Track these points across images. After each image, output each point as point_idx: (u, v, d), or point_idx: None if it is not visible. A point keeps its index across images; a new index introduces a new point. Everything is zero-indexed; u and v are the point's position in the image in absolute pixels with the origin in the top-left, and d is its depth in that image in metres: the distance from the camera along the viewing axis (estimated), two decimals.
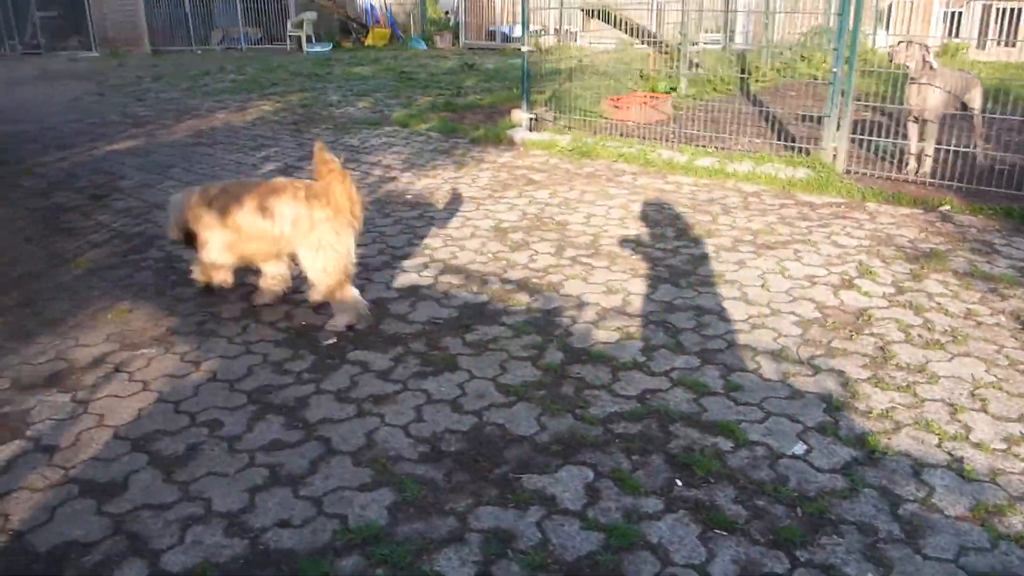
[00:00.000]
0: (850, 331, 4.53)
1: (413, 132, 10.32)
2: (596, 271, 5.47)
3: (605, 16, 12.03)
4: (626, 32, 12.53)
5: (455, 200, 7.27)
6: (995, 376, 4.02)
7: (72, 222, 6.73)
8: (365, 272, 5.49)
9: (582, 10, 12.17)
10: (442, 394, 3.95)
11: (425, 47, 22.65)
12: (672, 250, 5.89)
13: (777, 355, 4.27)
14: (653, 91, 11.12)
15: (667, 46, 12.47)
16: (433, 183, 7.87)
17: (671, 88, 11.40)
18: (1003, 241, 6.03)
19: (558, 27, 21.34)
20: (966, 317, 4.70)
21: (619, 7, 12.32)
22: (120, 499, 3.20)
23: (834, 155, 7.56)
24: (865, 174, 7.57)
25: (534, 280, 5.34)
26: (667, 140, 8.90)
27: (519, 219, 6.65)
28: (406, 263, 5.69)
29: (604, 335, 4.53)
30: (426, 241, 6.15)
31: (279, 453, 3.49)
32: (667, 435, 3.57)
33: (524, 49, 9.46)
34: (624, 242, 6.05)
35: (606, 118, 9.71)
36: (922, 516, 3.03)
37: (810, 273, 5.39)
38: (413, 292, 5.18)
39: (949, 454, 3.41)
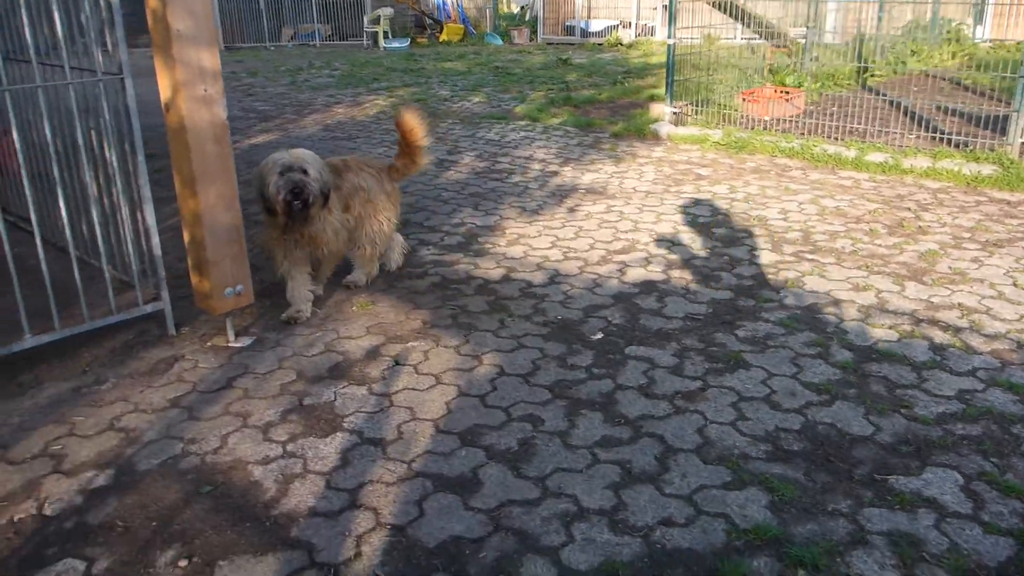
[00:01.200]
0: None
1: (547, 127, 10.21)
2: (829, 268, 5.33)
3: (728, 9, 11.82)
4: (744, 24, 12.32)
5: (632, 194, 7.18)
6: None
7: (257, 215, 6.71)
8: (587, 265, 5.41)
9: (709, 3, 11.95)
10: (751, 392, 3.84)
11: (501, 42, 22.55)
12: (893, 246, 5.74)
13: None
14: (783, 84, 10.92)
15: (788, 39, 12.25)
16: (599, 177, 7.77)
17: (799, 82, 11.19)
18: None
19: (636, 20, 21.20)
20: None
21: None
22: (481, 494, 3.13)
23: (1021, 151, 7.30)
24: None
25: (770, 276, 5.21)
26: (825, 134, 8.70)
27: (711, 214, 6.52)
28: (624, 257, 5.60)
29: (881, 333, 4.39)
30: (629, 235, 6.05)
31: (618, 450, 3.40)
32: (1013, 437, 3.42)
33: (671, 42, 9.31)
34: (836, 237, 5.90)
35: (742, 113, 9.54)
36: None
37: None
38: (651, 287, 5.08)
39: None
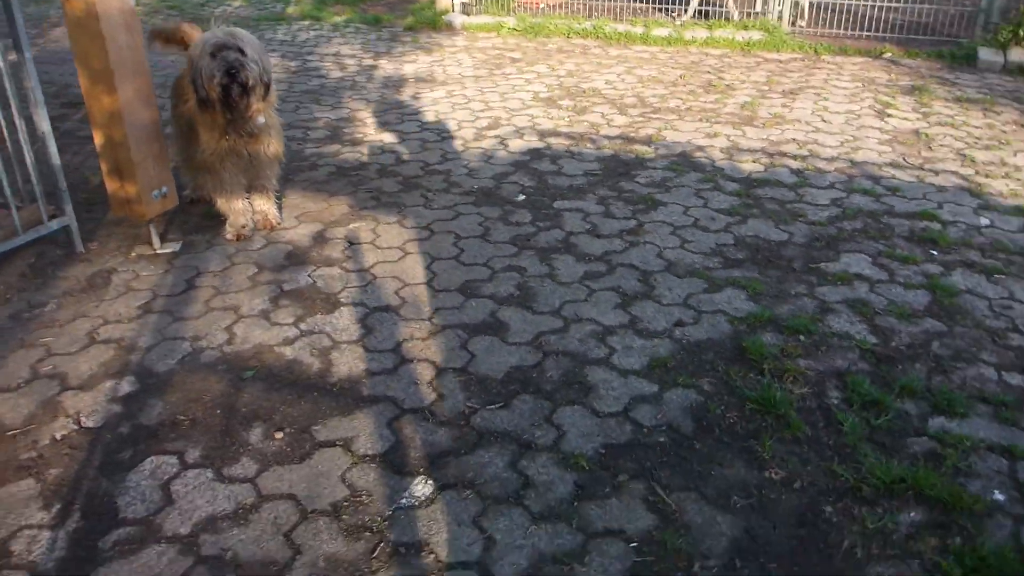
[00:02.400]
0: (924, 146, 5.52)
1: (336, 25, 10.02)
2: (676, 123, 6.06)
3: None
4: None
5: (461, 79, 7.44)
6: None
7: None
8: (468, 142, 5.70)
9: None
10: (680, 222, 4.45)
11: None
12: (716, 102, 6.60)
13: (895, 165, 5.17)
14: None
15: None
16: (419, 67, 7.92)
17: None
18: (952, 76, 7.36)
19: None
20: (991, 128, 5.88)
21: None
22: (513, 332, 3.45)
23: (779, 16, 8.52)
24: (807, 31, 8.64)
25: (633, 134, 5.83)
26: (612, 15, 9.44)
27: (548, 90, 7.00)
28: (497, 132, 5.94)
29: (749, 167, 5.19)
30: (488, 114, 6.37)
31: (604, 279, 3.84)
32: (887, 225, 4.34)
33: None
34: (666, 99, 6.66)
35: (517, 2, 10.05)
36: None
37: (848, 108, 6.34)
38: (539, 153, 5.50)
39: None
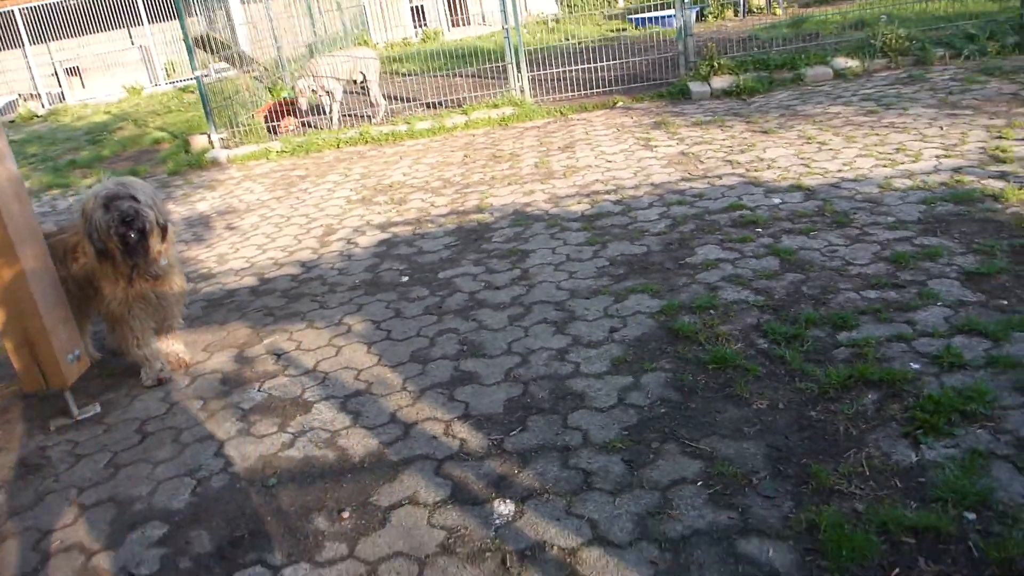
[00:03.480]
0: (695, 161, 6.73)
1: (89, 187, 9.73)
2: (491, 192, 6.80)
3: (206, 46, 12.36)
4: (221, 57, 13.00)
5: (265, 203, 7.66)
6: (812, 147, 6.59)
7: None
8: (317, 249, 6.03)
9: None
10: (558, 251, 5.11)
11: None
12: (511, 167, 7.43)
13: (686, 179, 6.26)
14: (282, 99, 12.01)
15: (254, 63, 13.31)
16: (213, 203, 8.03)
17: (289, 93, 12.41)
18: (678, 108, 8.87)
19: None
20: (733, 138, 7.27)
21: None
22: None
23: (521, 91, 9.72)
24: (547, 99, 9.90)
25: (460, 208, 6.50)
26: (370, 121, 10.14)
27: (355, 192, 7.50)
28: (339, 235, 6.29)
29: (578, 207, 6.03)
30: (318, 223, 6.72)
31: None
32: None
33: (198, 75, 9.70)
34: (469, 174, 7.39)
35: (267, 127, 10.48)
36: None
37: (620, 148, 7.49)
38: (391, 243, 5.97)
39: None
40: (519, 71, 9.51)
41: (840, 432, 2.97)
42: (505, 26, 9.40)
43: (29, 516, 3.26)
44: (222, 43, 11.95)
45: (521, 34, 9.43)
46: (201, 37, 11.06)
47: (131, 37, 21.43)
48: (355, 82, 10.35)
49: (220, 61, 12.72)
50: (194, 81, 10.54)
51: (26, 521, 3.22)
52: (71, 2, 20.56)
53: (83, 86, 21.16)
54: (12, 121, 19.19)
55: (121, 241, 3.78)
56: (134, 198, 3.83)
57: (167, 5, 19.37)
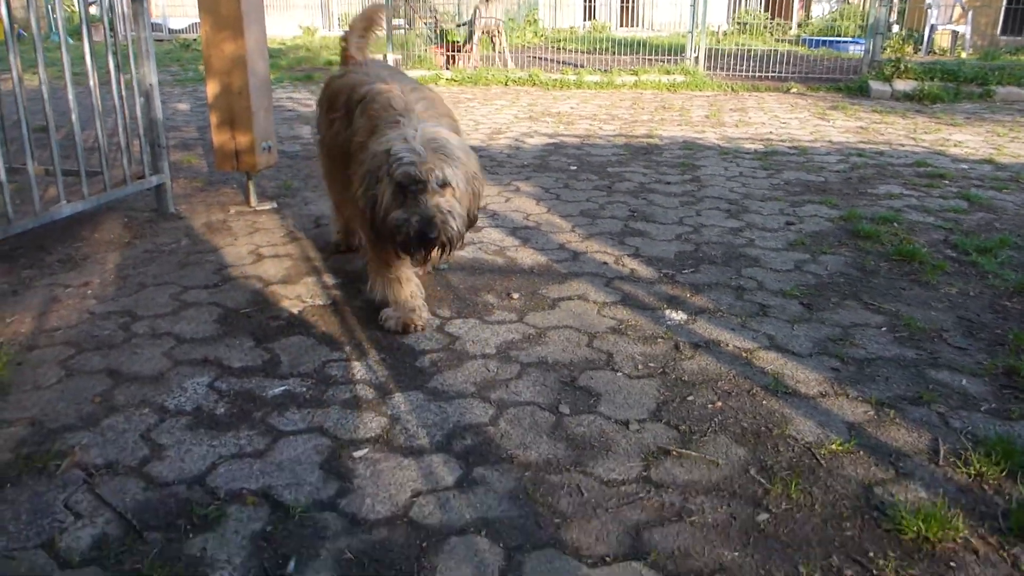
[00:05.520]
0: (875, 134, 6.52)
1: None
2: (659, 128, 6.77)
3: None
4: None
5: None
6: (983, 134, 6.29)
7: None
8: (485, 141, 6.12)
9: None
10: (731, 172, 5.04)
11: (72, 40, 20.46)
12: (681, 116, 7.41)
13: (865, 142, 6.07)
14: (453, 42, 12.29)
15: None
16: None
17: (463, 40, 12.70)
18: (855, 101, 8.62)
19: None
20: (916, 125, 7.02)
21: None
22: None
23: (695, 61, 9.65)
24: (719, 74, 9.81)
25: (628, 133, 6.49)
26: (543, 66, 10.29)
27: (523, 112, 7.60)
28: (507, 135, 6.38)
29: (751, 147, 5.93)
30: (486, 127, 6.82)
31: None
32: (867, 179, 5.16)
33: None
34: (636, 115, 7.39)
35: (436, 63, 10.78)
36: None
37: (794, 116, 7.34)
38: (560, 146, 6.01)
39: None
40: (697, 45, 9.45)
41: None
42: (692, 31, 9.39)
43: (173, 258, 3.45)
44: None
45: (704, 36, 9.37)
46: None
47: None
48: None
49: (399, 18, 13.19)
50: None
51: (167, 259, 3.40)
52: None
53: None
54: (195, 39, 20.40)
55: (405, 247, 2.49)
56: (445, 184, 2.40)
57: None
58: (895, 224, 3.90)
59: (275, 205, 4.23)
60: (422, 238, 2.36)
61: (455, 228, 2.41)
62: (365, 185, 2.46)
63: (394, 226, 2.39)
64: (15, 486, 1.75)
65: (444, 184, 2.38)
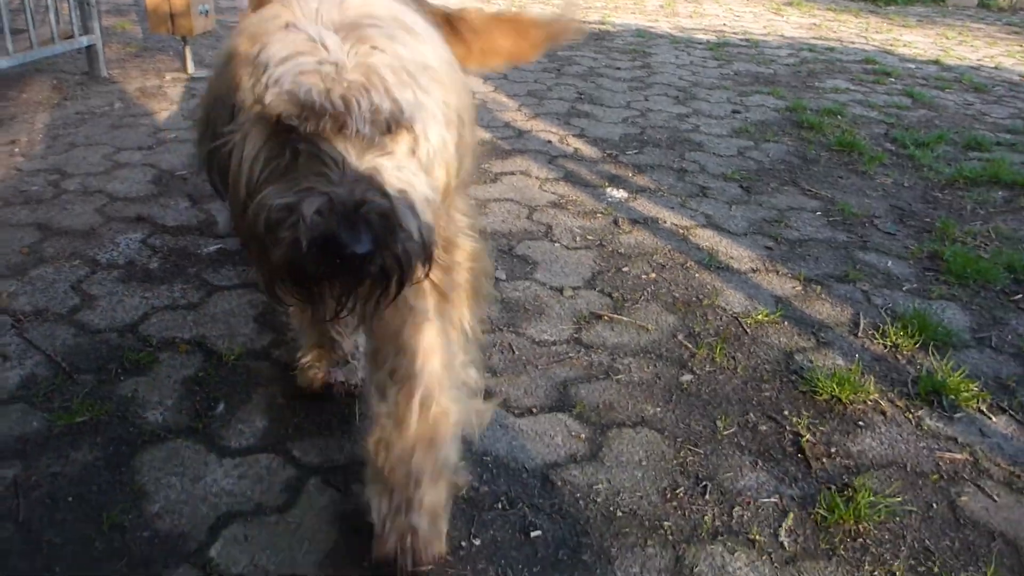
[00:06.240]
0: (828, 31, 6.49)
1: None
2: (616, 12, 6.64)
3: None
4: None
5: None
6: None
7: None
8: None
9: None
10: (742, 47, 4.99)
11: None
12: (623, 5, 7.25)
13: (817, 38, 6.05)
14: None
15: None
16: None
17: None
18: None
19: None
20: (867, 24, 7.00)
21: None
22: None
23: None
24: None
25: (584, 18, 6.36)
26: None
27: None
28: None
29: (703, 37, 5.87)
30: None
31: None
32: (833, 67, 5.17)
33: None
34: (588, 1, 7.24)
35: None
36: None
37: (750, 11, 7.26)
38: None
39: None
40: None
41: (967, 210, 2.91)
42: None
43: (108, 121, 3.29)
44: None
45: None
46: None
47: None
48: None
49: None
50: None
51: (107, 121, 3.26)
52: None
53: None
54: None
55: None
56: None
57: None
58: (839, 116, 3.94)
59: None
60: (334, 251, 0.96)
61: (415, 231, 1.03)
62: (208, 133, 1.12)
63: (268, 222, 1.01)
64: None
65: (392, 125, 1.02)
